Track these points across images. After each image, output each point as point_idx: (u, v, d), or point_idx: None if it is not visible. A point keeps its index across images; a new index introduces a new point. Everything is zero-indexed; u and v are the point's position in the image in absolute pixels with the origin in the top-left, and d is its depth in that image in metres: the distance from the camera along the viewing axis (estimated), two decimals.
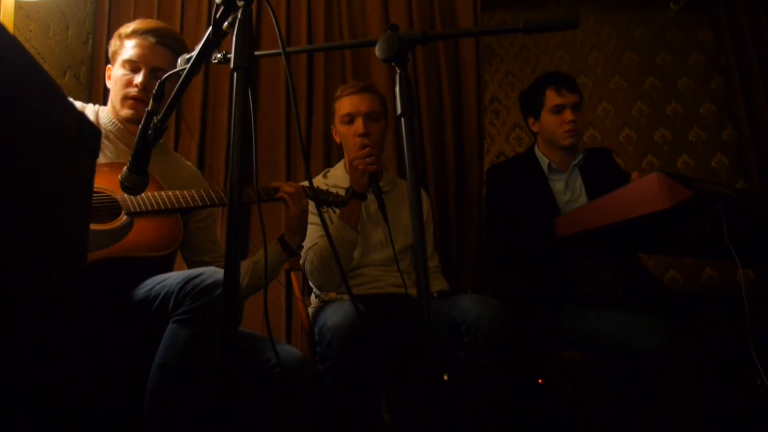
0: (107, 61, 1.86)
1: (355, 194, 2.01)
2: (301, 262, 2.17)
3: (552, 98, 2.36)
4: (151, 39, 1.77)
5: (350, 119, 2.19)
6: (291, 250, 1.88)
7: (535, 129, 2.45)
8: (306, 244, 2.12)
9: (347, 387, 1.76)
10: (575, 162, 2.41)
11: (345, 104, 2.20)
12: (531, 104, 2.44)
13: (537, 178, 2.38)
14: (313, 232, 2.12)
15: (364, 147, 2.02)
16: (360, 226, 2.10)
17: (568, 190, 2.38)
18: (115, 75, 1.79)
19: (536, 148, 2.47)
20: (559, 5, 3.50)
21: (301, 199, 1.83)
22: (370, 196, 2.01)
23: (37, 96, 0.76)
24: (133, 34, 1.78)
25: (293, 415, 1.60)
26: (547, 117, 2.38)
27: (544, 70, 3.40)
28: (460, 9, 2.94)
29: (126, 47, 1.78)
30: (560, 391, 2.22)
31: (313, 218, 2.13)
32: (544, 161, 2.41)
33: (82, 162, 0.87)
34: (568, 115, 2.34)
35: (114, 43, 1.82)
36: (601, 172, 2.40)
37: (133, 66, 1.77)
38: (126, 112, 1.78)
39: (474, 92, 2.88)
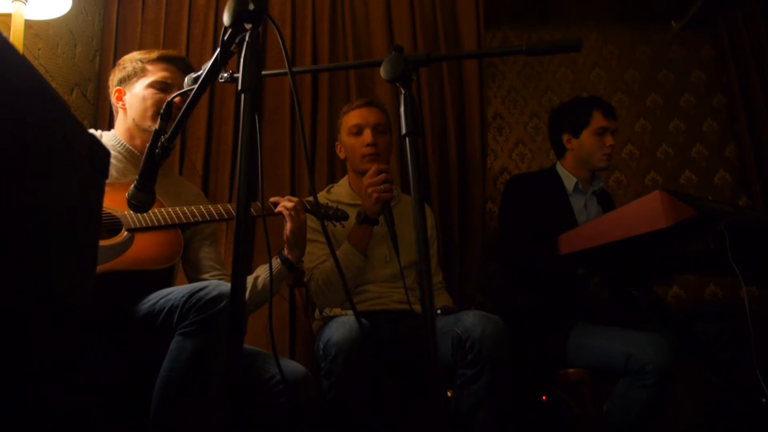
0: (118, 83, 1.90)
1: (366, 219, 2.02)
2: (305, 279, 2.17)
3: (599, 120, 2.41)
4: (178, 64, 1.89)
5: (358, 130, 2.22)
6: (291, 264, 1.89)
7: (569, 146, 2.47)
8: (311, 262, 2.13)
9: (351, 402, 1.76)
10: (594, 188, 2.47)
11: (353, 116, 2.25)
12: (572, 121, 2.46)
13: (558, 195, 2.41)
14: (318, 250, 2.13)
15: (380, 172, 2.02)
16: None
17: (585, 211, 2.40)
18: (142, 94, 1.84)
19: (560, 166, 2.50)
20: (561, 23, 3.53)
21: (299, 213, 1.85)
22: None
23: (47, 117, 0.77)
24: (160, 59, 1.87)
25: (297, 430, 1.60)
26: (588, 137, 2.42)
27: (546, 87, 3.43)
28: (463, 27, 2.97)
29: (151, 70, 1.86)
30: (564, 409, 2.21)
31: (317, 236, 2.14)
32: (570, 179, 2.45)
33: (92, 182, 0.88)
34: (609, 139, 2.41)
35: (132, 66, 1.87)
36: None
37: (164, 86, 1.84)
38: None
39: (477, 109, 2.89)
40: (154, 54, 1.89)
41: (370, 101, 2.30)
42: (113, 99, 1.90)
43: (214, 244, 2.02)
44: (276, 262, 1.88)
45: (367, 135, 2.20)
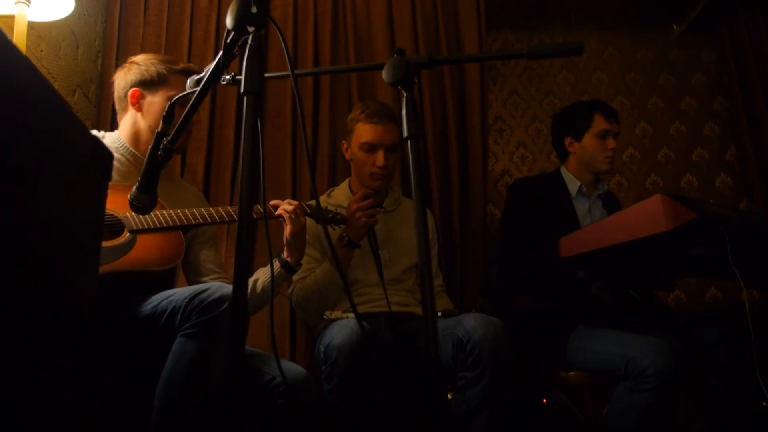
0: (136, 83, 1.85)
1: (350, 243, 2.02)
2: (289, 291, 2.18)
3: (600, 123, 2.41)
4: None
5: (370, 148, 2.20)
6: (290, 267, 1.90)
7: (572, 149, 2.48)
8: (296, 274, 2.13)
9: (352, 405, 1.76)
10: (599, 192, 2.47)
11: (367, 132, 2.20)
12: (574, 125, 2.47)
13: (562, 199, 2.41)
14: (304, 264, 2.13)
15: (366, 197, 2.03)
16: (355, 259, 2.13)
17: (590, 214, 2.41)
18: (163, 105, 1.82)
19: (564, 170, 2.51)
20: (562, 26, 3.53)
21: (299, 216, 1.85)
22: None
23: (52, 119, 0.77)
24: (185, 73, 1.84)
25: None
26: (590, 140, 2.42)
27: (547, 90, 3.43)
28: (465, 30, 2.97)
29: (174, 82, 1.84)
30: (565, 412, 2.21)
31: (307, 249, 2.14)
32: (574, 183, 2.45)
33: (95, 184, 0.89)
34: (611, 142, 2.41)
35: (156, 70, 1.84)
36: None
37: (186, 102, 1.82)
38: (180, 141, 1.84)
39: (478, 112, 2.90)
40: (180, 65, 1.87)
41: (388, 116, 2.22)
42: (127, 97, 1.86)
43: (215, 246, 2.02)
44: (275, 264, 1.88)
45: (380, 157, 2.18)
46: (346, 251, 2.07)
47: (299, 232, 1.86)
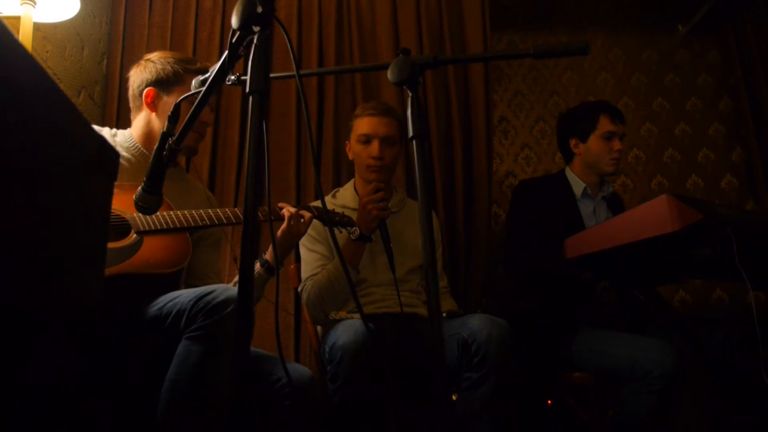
0: (152, 83, 1.82)
1: (361, 236, 2.02)
2: (299, 289, 2.18)
3: (606, 125, 2.40)
4: None
5: (366, 140, 2.20)
6: (270, 266, 1.85)
7: (577, 151, 2.47)
8: (305, 272, 2.12)
9: (357, 406, 1.76)
10: (604, 193, 2.46)
11: (364, 124, 2.22)
12: (579, 126, 2.46)
13: (567, 200, 2.40)
14: (314, 261, 2.13)
15: (378, 190, 2.03)
16: (363, 259, 2.12)
17: (594, 216, 2.40)
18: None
19: (569, 171, 2.50)
20: (567, 27, 3.53)
21: (299, 223, 1.83)
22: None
23: (58, 119, 0.77)
24: (200, 73, 1.76)
25: None
26: (596, 142, 2.41)
27: (552, 91, 3.43)
28: (470, 31, 2.97)
29: (189, 82, 1.75)
30: (570, 413, 2.21)
31: (315, 245, 2.14)
32: (579, 184, 2.44)
33: (101, 184, 0.89)
34: (616, 143, 2.40)
35: (171, 70, 1.81)
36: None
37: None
38: (190, 142, 1.85)
39: (483, 112, 2.89)
40: (197, 65, 1.83)
41: (385, 110, 2.24)
42: (142, 96, 1.83)
43: (217, 251, 2.01)
44: (256, 267, 1.84)
45: (375, 147, 2.18)
46: (358, 245, 2.07)
47: (292, 236, 1.83)
